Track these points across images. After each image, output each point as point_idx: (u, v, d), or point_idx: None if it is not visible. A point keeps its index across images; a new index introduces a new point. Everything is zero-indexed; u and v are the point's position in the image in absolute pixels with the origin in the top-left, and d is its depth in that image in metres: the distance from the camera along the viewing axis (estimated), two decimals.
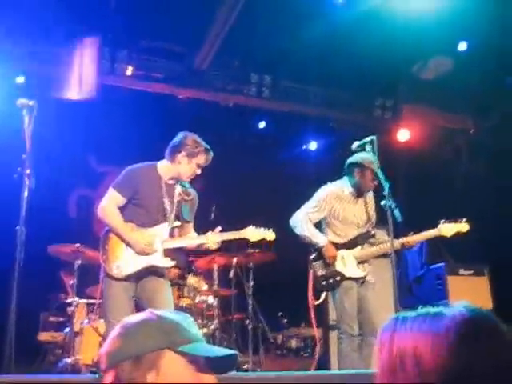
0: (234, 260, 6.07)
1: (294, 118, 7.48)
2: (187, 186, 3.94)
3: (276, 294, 6.77)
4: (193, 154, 3.82)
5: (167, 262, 3.85)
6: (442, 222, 4.34)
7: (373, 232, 4.89)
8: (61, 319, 6.14)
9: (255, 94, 7.10)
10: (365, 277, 4.77)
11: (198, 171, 3.87)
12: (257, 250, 5.92)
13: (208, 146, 3.87)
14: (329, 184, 5.02)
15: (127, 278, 3.76)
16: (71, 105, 6.24)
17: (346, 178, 5.00)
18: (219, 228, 3.75)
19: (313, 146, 8.35)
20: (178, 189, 3.87)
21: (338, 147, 7.01)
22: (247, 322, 5.88)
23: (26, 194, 3.40)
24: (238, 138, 7.70)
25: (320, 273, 4.76)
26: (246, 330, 5.86)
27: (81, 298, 5.69)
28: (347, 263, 4.76)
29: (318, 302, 4.71)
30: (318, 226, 4.91)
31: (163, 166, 3.97)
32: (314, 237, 4.71)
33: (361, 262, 4.82)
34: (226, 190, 6.88)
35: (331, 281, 4.74)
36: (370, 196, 4.98)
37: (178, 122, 5.79)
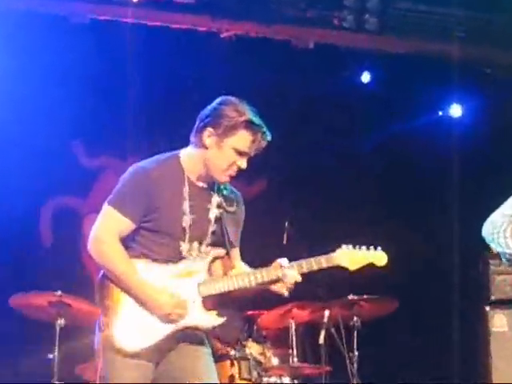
0: (326, 314, 5.49)
1: (422, 64, 6.81)
2: (227, 189, 3.68)
3: (401, 373, 6.47)
4: (227, 130, 3.46)
5: (212, 320, 3.54)
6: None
7: None
8: None
9: (353, 25, 6.51)
10: None
11: (241, 162, 3.52)
12: (365, 297, 5.47)
13: (259, 121, 3.51)
14: None
15: (143, 354, 3.47)
16: (40, 44, 5.86)
17: None
18: (285, 260, 3.47)
19: (455, 111, 7.59)
20: (216, 199, 3.60)
21: (502, 112, 6.56)
22: None
23: None
24: (321, 104, 7.01)
25: None
26: None
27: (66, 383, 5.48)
28: None
29: None
30: None
31: (188, 156, 3.62)
32: None
33: None
34: (301, 194, 6.71)
35: None
36: None
37: (216, 79, 6.00)
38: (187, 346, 3.55)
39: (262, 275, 3.51)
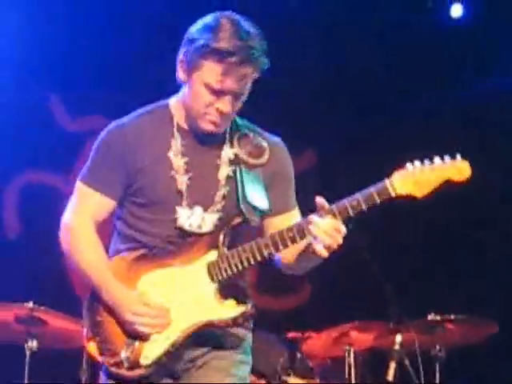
0: (397, 339, 5.02)
1: None
2: (250, 135, 3.25)
3: None
4: (192, 60, 3.08)
5: (230, 310, 3.11)
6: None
7: None
8: None
9: None
10: None
11: (220, 104, 3.07)
12: (451, 317, 4.91)
13: (237, 43, 3.03)
14: None
15: (153, 374, 3.10)
16: None
17: None
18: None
19: None
20: (229, 151, 3.22)
21: None
22: None
23: None
24: (392, 49, 6.42)
25: None
26: None
27: None
28: None
29: None
30: None
31: (177, 101, 3.29)
32: None
33: None
34: (362, 169, 5.76)
35: None
36: None
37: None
38: (207, 353, 3.16)
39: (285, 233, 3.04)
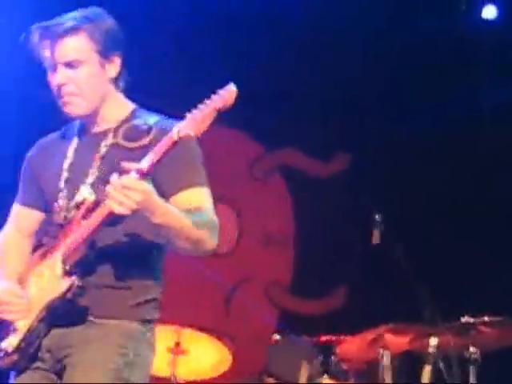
0: (432, 342, 4.80)
1: None
2: (152, 120, 3.16)
3: None
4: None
5: (62, 285, 3.07)
6: None
7: None
8: None
9: None
10: None
11: (52, 77, 3.12)
12: (486, 319, 4.75)
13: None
14: None
15: (18, 360, 3.10)
16: None
17: None
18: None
19: None
20: (108, 142, 3.16)
21: None
22: None
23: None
24: (426, 51, 6.22)
25: None
26: None
27: None
28: None
29: None
30: None
31: None
32: None
33: None
34: (399, 174, 6.08)
35: None
36: None
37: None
38: (70, 330, 3.11)
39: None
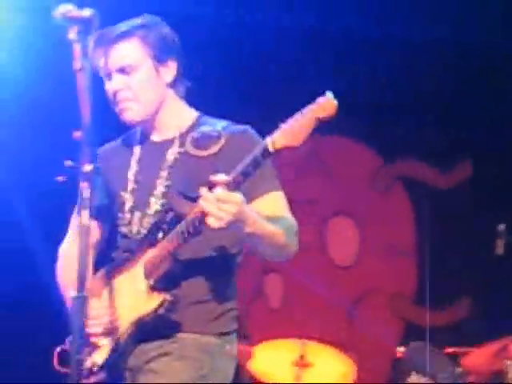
0: None
1: None
2: (219, 126, 3.06)
3: None
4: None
5: (153, 301, 2.99)
6: None
7: None
8: None
9: None
10: None
11: (109, 84, 3.02)
12: None
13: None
14: None
15: (105, 378, 3.02)
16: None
17: None
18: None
19: None
20: (174, 151, 3.05)
21: None
22: None
23: (85, 215, 2.59)
24: None
25: None
26: None
27: None
28: None
29: None
30: None
31: None
32: None
33: None
34: None
35: None
36: None
37: None
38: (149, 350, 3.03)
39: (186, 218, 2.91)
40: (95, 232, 3.20)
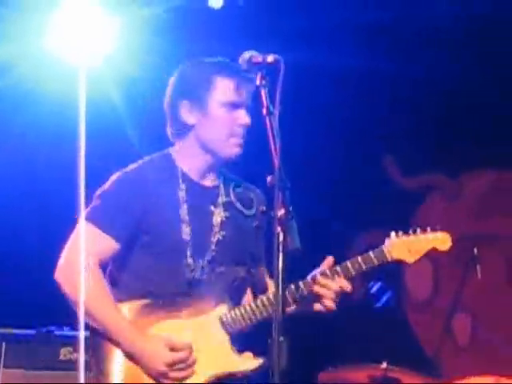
0: None
1: None
2: (240, 186, 3.30)
3: None
4: (202, 89, 3.16)
5: (248, 363, 3.10)
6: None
7: None
8: None
9: None
10: None
11: (239, 116, 3.12)
12: None
13: (228, 61, 3.23)
14: None
15: None
16: None
17: None
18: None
19: None
20: (224, 199, 3.21)
21: None
22: None
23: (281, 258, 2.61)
24: None
25: None
26: None
27: None
28: None
29: None
30: None
31: (179, 150, 3.27)
32: None
33: None
34: None
35: None
36: None
37: None
38: None
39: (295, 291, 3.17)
40: (109, 249, 3.18)
